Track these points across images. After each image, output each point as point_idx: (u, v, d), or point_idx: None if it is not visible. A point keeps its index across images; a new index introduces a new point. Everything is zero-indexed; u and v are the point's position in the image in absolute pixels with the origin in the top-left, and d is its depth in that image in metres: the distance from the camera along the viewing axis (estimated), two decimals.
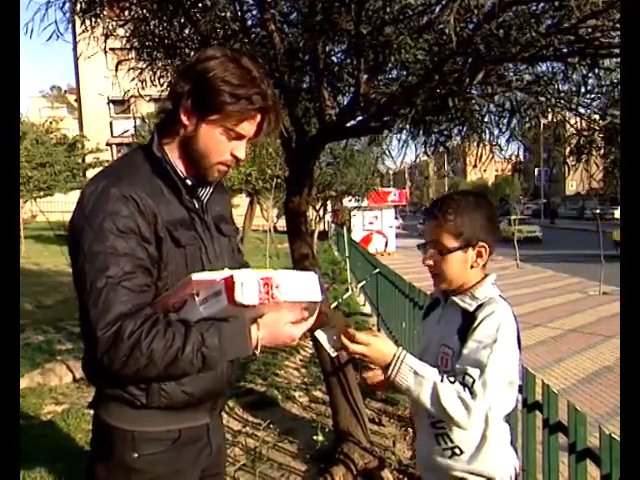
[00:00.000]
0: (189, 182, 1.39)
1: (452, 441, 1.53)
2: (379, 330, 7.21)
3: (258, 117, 1.35)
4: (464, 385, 1.41)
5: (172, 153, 1.37)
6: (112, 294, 1.20)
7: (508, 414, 1.62)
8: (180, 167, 1.38)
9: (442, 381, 1.41)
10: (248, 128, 1.35)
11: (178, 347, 1.20)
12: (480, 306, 1.50)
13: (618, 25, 1.99)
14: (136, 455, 1.32)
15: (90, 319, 1.21)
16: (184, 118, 1.32)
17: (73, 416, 4.13)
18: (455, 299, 1.56)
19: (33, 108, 40.78)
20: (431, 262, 1.56)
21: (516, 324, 1.52)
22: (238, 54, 1.37)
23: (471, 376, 1.40)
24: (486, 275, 1.58)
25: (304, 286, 1.27)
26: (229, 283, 1.17)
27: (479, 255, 1.54)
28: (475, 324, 1.46)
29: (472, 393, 1.39)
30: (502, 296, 1.56)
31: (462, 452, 1.53)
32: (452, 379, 1.42)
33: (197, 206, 1.42)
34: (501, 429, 1.56)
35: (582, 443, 1.94)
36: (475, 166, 3.29)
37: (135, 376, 1.25)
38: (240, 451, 3.60)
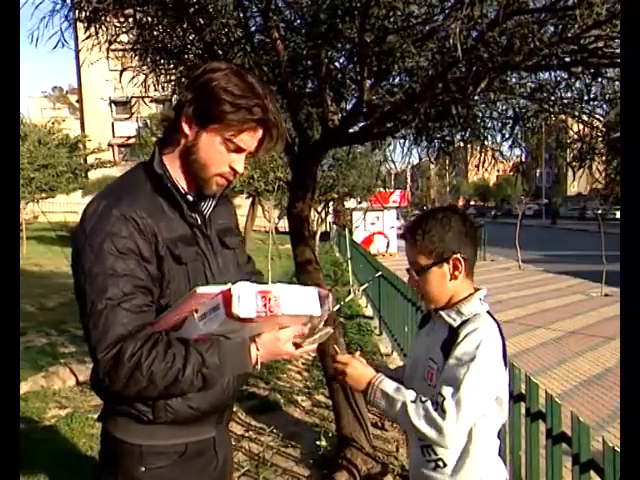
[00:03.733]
0: (190, 198, 1.39)
1: (436, 453, 1.56)
2: (381, 333, 7.22)
3: (259, 131, 1.36)
4: (435, 404, 1.44)
5: (173, 165, 1.38)
6: (111, 316, 1.21)
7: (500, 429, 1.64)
8: (181, 182, 1.38)
9: (414, 401, 1.46)
10: (248, 141, 1.36)
11: (178, 368, 1.22)
12: (465, 322, 1.53)
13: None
14: (143, 469, 1.33)
15: (91, 341, 1.23)
16: (185, 127, 1.33)
17: (77, 420, 4.14)
18: (442, 313, 1.59)
19: (35, 109, 40.80)
20: (414, 280, 1.62)
21: (502, 340, 1.53)
22: (244, 70, 1.38)
23: (442, 395, 1.44)
24: (477, 290, 1.61)
25: (303, 300, 1.27)
26: (227, 296, 1.17)
27: (455, 267, 1.57)
28: (457, 341, 1.49)
29: (442, 411, 1.42)
30: (490, 312, 1.58)
31: (445, 465, 1.55)
32: (424, 398, 1.46)
33: (199, 221, 1.42)
34: (487, 444, 1.57)
35: (586, 454, 1.94)
36: (477, 167, 3.30)
37: (137, 396, 1.26)
38: (243, 456, 3.61)
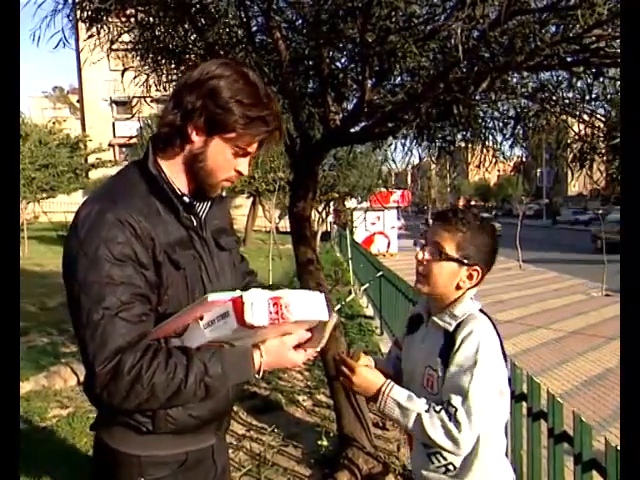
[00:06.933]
0: (186, 199, 1.35)
1: (445, 458, 1.55)
2: (382, 333, 7.22)
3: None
4: (449, 414, 1.43)
5: (171, 169, 1.33)
6: (109, 327, 1.16)
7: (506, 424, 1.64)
8: (178, 184, 1.34)
9: (427, 411, 1.45)
10: (255, 146, 1.35)
11: (180, 379, 1.17)
12: (459, 325, 1.51)
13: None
14: None
15: (87, 353, 1.16)
16: (193, 134, 1.29)
17: (78, 420, 4.15)
18: (435, 319, 1.57)
19: (36, 109, 40.76)
20: (425, 258, 1.55)
21: (498, 335, 1.53)
22: (245, 68, 1.34)
23: (453, 405, 1.43)
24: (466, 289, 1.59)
25: (312, 306, 1.24)
26: (238, 304, 1.13)
27: (470, 277, 1.54)
28: (455, 347, 1.48)
29: (457, 422, 1.42)
30: (482, 310, 1.57)
31: (455, 467, 1.55)
32: (438, 408, 1.45)
33: (195, 223, 1.37)
34: (494, 443, 1.57)
35: (588, 453, 1.95)
36: (478, 167, 3.30)
37: (136, 409, 1.22)
38: (245, 455, 3.61)
